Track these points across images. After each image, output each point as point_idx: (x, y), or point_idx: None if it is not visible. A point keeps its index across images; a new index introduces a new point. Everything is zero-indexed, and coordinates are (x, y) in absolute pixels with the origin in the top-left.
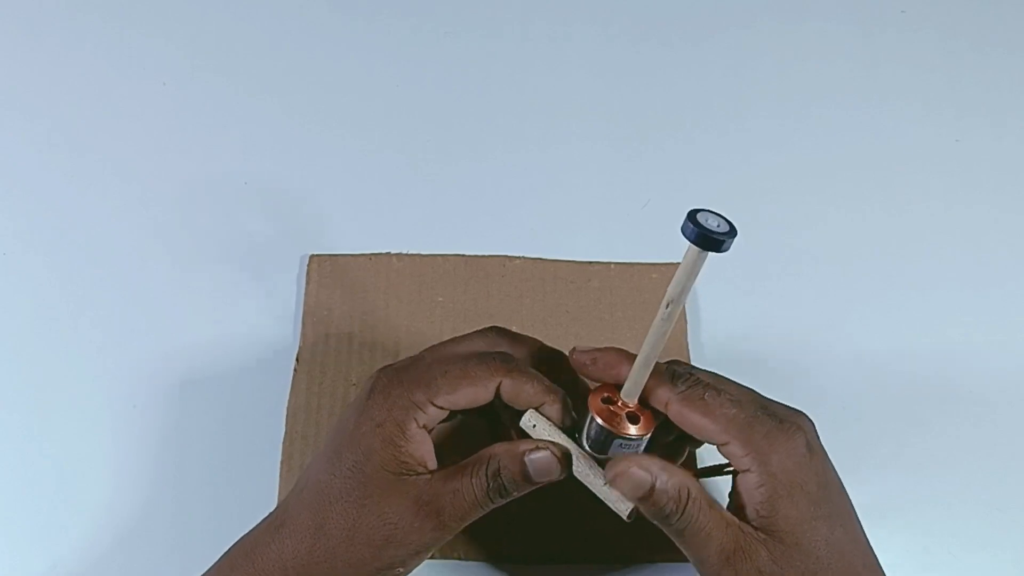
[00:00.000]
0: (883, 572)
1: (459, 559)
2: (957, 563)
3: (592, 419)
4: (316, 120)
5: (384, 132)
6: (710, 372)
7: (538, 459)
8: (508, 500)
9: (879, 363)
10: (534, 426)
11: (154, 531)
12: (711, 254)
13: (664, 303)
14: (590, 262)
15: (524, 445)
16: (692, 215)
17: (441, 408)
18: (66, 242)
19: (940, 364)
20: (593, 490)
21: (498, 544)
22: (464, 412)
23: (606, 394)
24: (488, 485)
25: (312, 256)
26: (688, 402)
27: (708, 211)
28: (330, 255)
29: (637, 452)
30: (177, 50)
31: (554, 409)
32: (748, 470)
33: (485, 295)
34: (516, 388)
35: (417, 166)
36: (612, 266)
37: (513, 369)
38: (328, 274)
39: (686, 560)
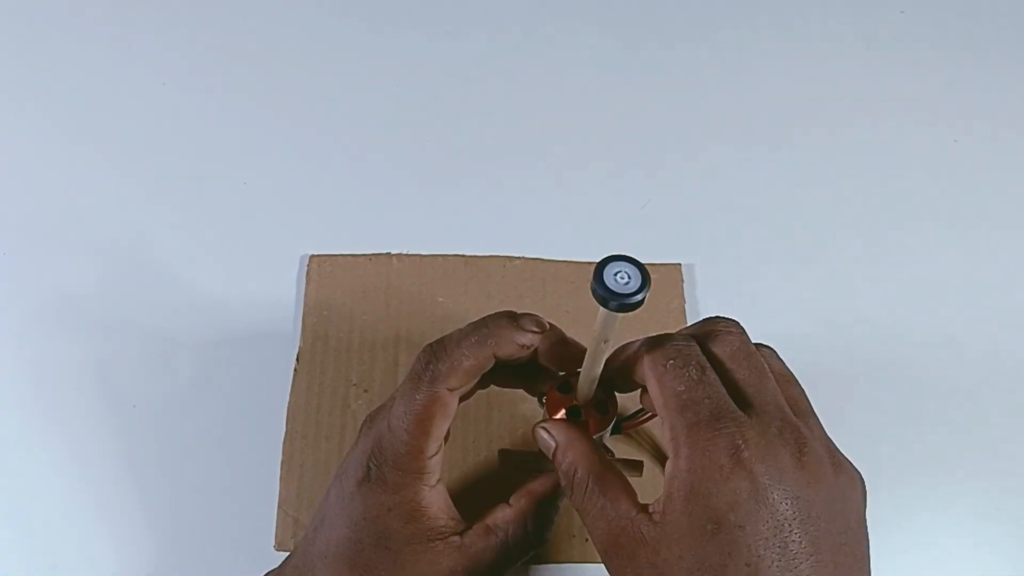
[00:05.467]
0: None
1: None
2: (955, 561)
3: None
4: (316, 120)
5: (384, 132)
6: (733, 343)
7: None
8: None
9: (878, 363)
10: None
11: (154, 531)
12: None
13: (600, 339)
14: (590, 262)
15: (544, 485)
16: (600, 269)
17: (436, 454)
18: (65, 242)
19: (939, 364)
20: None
21: None
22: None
23: (564, 408)
24: (531, 537)
25: (312, 256)
26: (651, 366)
27: (621, 259)
28: (330, 255)
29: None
30: (177, 50)
31: (509, 350)
32: (668, 457)
33: (485, 295)
34: (462, 376)
35: (417, 166)
36: None
37: (444, 368)
38: (328, 274)
39: None
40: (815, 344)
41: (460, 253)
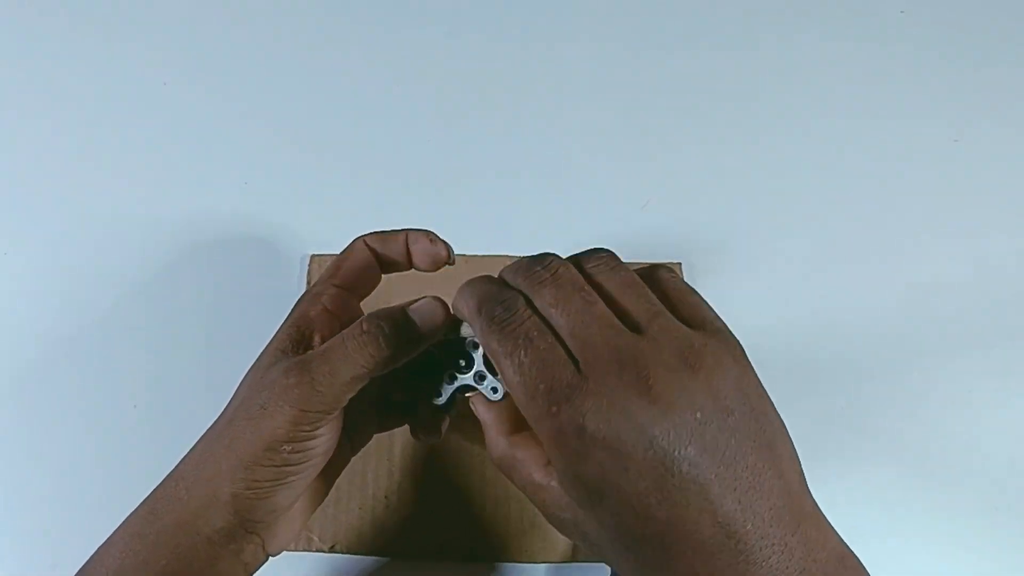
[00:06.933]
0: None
1: (431, 558)
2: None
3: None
4: (316, 120)
5: (384, 132)
6: (554, 286)
7: (420, 305)
8: (384, 359)
9: (880, 361)
10: None
11: None
12: None
13: None
14: None
15: (403, 303)
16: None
17: (339, 287)
18: (66, 242)
19: (940, 364)
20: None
21: (475, 543)
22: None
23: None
24: (364, 333)
25: (312, 256)
26: (488, 347)
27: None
28: (330, 255)
29: None
30: (177, 50)
31: (417, 234)
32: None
33: None
34: (378, 237)
35: (417, 166)
36: None
37: (372, 232)
38: None
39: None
40: (816, 343)
41: (460, 253)
